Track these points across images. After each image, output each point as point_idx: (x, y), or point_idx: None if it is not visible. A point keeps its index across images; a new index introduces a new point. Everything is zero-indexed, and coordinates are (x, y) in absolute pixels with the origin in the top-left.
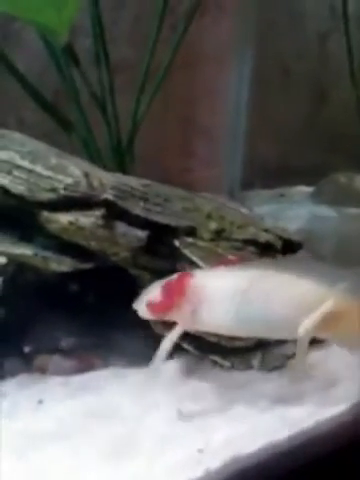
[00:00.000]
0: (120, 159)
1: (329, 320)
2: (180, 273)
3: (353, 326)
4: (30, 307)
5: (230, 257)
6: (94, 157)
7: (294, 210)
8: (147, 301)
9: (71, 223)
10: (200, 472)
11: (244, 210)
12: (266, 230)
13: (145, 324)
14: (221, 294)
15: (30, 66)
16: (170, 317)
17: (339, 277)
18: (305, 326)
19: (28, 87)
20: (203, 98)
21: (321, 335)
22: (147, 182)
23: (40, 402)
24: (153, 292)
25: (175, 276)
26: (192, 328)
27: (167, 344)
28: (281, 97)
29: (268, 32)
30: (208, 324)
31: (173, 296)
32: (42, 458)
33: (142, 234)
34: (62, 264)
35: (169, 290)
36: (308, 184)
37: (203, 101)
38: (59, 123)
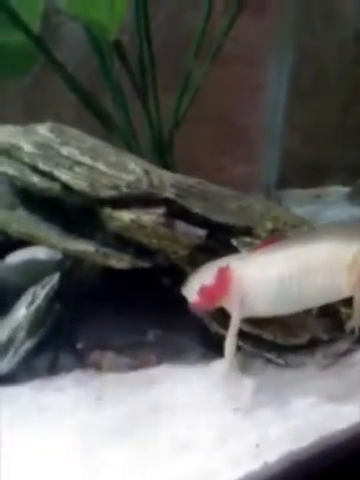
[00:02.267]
0: (161, 157)
1: None
2: (217, 271)
3: None
4: (84, 303)
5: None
6: (135, 155)
7: (332, 210)
8: (192, 300)
9: (133, 221)
10: (258, 465)
11: None
12: None
13: (199, 321)
14: (265, 280)
15: (67, 62)
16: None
17: None
18: (351, 283)
19: (71, 83)
20: (239, 96)
21: None
22: (200, 180)
23: (98, 398)
24: (195, 291)
25: (212, 276)
26: (245, 316)
27: (232, 339)
28: (317, 97)
29: (306, 31)
30: (258, 311)
31: (216, 295)
32: (105, 453)
33: (201, 233)
34: (122, 261)
35: (211, 289)
36: (344, 184)
37: (239, 99)
38: (100, 120)
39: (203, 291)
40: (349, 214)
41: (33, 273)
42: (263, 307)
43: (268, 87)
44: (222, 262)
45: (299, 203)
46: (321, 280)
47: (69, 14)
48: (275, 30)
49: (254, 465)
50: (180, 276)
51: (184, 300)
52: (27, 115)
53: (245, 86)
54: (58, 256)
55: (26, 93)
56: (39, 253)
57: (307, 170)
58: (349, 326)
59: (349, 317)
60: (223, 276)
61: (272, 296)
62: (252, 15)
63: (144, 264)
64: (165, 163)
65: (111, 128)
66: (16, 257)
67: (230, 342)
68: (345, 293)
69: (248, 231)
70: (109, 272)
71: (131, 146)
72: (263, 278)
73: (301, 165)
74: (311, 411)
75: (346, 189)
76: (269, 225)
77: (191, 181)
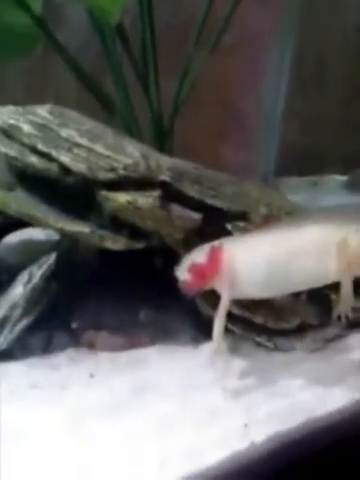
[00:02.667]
0: (161, 142)
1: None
2: (209, 250)
3: None
4: (79, 283)
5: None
6: (135, 138)
7: (328, 199)
8: (182, 281)
9: (129, 203)
10: (245, 445)
11: None
12: None
13: (192, 304)
14: (255, 262)
15: (69, 44)
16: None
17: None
18: (339, 268)
19: (72, 66)
20: (238, 82)
21: None
22: (197, 165)
23: (91, 376)
24: (185, 274)
25: (204, 255)
26: (234, 297)
27: (221, 320)
28: (318, 86)
29: (309, 19)
30: (248, 292)
31: (207, 273)
32: (95, 429)
33: (197, 216)
34: (117, 243)
35: (202, 268)
36: (341, 173)
37: (238, 86)
38: (101, 103)
39: (193, 269)
40: (346, 202)
41: (30, 253)
42: (253, 289)
43: (269, 74)
44: (216, 244)
45: (296, 190)
46: (311, 263)
47: None
48: (277, 16)
49: (241, 444)
50: (174, 259)
51: (178, 282)
52: (28, 97)
53: (245, 73)
54: (55, 237)
55: (27, 75)
56: (37, 234)
57: (305, 159)
58: (336, 312)
59: (337, 303)
60: (214, 255)
61: (262, 278)
62: (254, 0)
63: (139, 246)
64: (164, 147)
65: (112, 111)
66: (14, 237)
67: (219, 323)
68: (334, 277)
69: (243, 216)
70: (105, 253)
71: (131, 130)
72: (253, 260)
73: (299, 154)
74: (299, 393)
75: (343, 178)
76: (264, 210)
77: (188, 165)
